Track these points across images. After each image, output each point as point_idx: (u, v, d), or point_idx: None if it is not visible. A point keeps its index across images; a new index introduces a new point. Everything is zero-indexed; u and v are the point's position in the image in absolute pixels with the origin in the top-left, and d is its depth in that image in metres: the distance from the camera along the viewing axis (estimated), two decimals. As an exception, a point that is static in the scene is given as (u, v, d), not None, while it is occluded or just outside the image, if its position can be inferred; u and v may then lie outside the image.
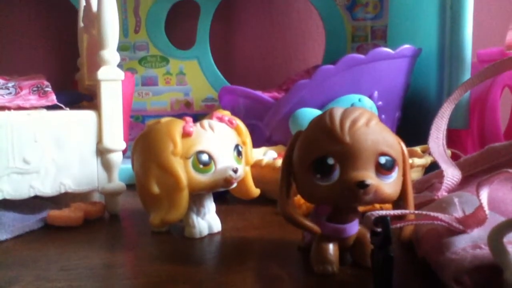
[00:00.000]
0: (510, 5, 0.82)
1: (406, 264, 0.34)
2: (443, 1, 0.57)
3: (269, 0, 0.80)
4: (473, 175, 0.39)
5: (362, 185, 0.29)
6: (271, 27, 0.81)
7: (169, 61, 0.73)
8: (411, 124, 0.61)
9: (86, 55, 0.57)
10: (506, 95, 0.61)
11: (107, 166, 0.46)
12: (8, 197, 0.43)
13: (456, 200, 0.33)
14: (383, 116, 0.58)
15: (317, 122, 0.32)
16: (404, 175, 0.32)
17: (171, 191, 0.38)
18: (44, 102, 0.46)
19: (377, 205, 0.42)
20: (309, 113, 0.54)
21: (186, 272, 0.33)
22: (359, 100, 0.55)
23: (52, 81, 0.51)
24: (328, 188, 0.30)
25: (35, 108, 0.45)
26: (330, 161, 0.30)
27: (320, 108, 0.55)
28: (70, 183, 0.45)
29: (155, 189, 0.38)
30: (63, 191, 0.45)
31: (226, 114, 0.42)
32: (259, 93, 0.61)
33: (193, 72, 0.74)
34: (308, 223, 0.32)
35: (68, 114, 0.45)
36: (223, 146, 0.40)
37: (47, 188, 0.44)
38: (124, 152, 0.47)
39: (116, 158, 0.46)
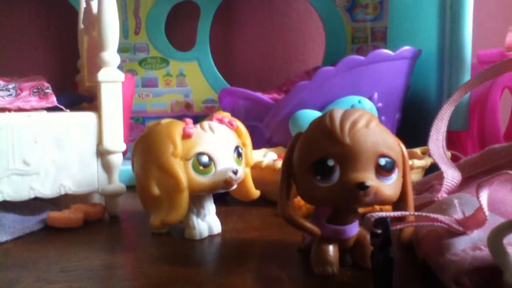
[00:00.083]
0: (510, 6, 0.82)
1: (406, 266, 0.34)
2: (443, 2, 0.57)
3: (269, 2, 0.80)
4: (473, 177, 0.39)
5: (362, 186, 0.29)
6: (271, 29, 0.81)
7: (169, 63, 0.73)
8: (411, 126, 0.61)
9: (87, 56, 0.57)
10: (506, 96, 0.61)
11: (107, 167, 0.46)
12: (8, 198, 0.43)
13: (456, 201, 0.33)
14: (383, 117, 0.58)
15: (317, 124, 0.32)
16: (404, 176, 0.32)
17: (171, 193, 0.38)
18: (44, 103, 0.46)
19: (377, 207, 0.42)
20: (309, 115, 0.54)
21: (186, 273, 0.33)
22: (359, 101, 0.55)
23: (52, 81, 0.51)
24: (328, 190, 0.30)
25: (36, 109, 0.45)
26: (330, 162, 0.30)
27: (320, 109, 0.55)
28: (70, 185, 0.45)
29: (155, 190, 0.38)
30: (63, 192, 0.45)
31: (226, 116, 0.42)
32: (259, 94, 0.61)
33: (193, 74, 0.74)
34: (308, 224, 0.32)
35: (68, 116, 0.45)
36: (223, 147, 0.40)
37: (47, 189, 0.44)
38: (124, 153, 0.47)
39: (116, 159, 0.46)
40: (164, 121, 0.40)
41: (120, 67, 0.46)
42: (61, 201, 0.47)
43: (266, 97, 0.60)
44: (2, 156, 0.42)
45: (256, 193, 0.44)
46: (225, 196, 0.49)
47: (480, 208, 0.29)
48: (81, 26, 0.58)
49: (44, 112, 0.45)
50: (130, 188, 0.47)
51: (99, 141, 0.46)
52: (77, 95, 0.56)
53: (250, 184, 0.44)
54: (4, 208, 0.44)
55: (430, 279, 0.30)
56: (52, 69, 0.77)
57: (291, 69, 0.81)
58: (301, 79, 0.63)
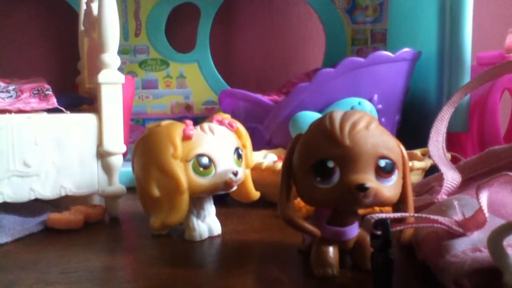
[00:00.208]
0: (510, 8, 0.82)
1: (406, 267, 0.34)
2: (443, 4, 0.57)
3: (269, 4, 0.81)
4: (473, 178, 0.39)
5: (362, 188, 0.29)
6: (271, 30, 0.81)
7: (169, 65, 0.74)
8: (411, 127, 0.61)
9: (87, 58, 0.57)
10: (505, 98, 0.61)
11: (107, 169, 0.46)
12: (8, 200, 0.43)
13: (456, 203, 0.33)
14: (383, 119, 0.58)
15: (317, 125, 0.32)
16: (404, 178, 0.32)
17: (171, 194, 0.38)
18: (44, 105, 0.46)
19: (377, 208, 0.42)
20: (309, 116, 0.54)
21: (186, 275, 0.33)
22: (359, 103, 0.55)
23: (52, 82, 0.51)
24: (328, 191, 0.30)
25: (36, 111, 0.45)
26: (330, 164, 0.30)
27: (320, 111, 0.55)
28: (70, 186, 0.45)
29: (156, 192, 0.38)
30: (63, 194, 0.45)
31: (226, 117, 0.42)
32: (259, 96, 0.61)
33: (193, 75, 0.74)
34: (308, 226, 0.32)
35: (68, 117, 0.45)
36: (223, 149, 0.40)
37: (47, 191, 0.44)
38: (124, 155, 0.47)
39: (117, 161, 0.46)
40: (164, 122, 0.40)
41: (120, 69, 0.46)
42: (61, 203, 0.47)
43: (266, 98, 0.60)
44: (3, 158, 0.42)
45: (256, 194, 0.44)
46: (225, 198, 0.49)
47: (480, 209, 0.29)
48: (82, 28, 0.58)
49: (45, 114, 0.45)
50: (130, 189, 0.47)
51: (99, 143, 0.46)
52: (78, 96, 0.57)
53: (250, 185, 0.44)
54: (4, 210, 0.44)
55: (430, 281, 0.30)
56: (52, 69, 0.77)
57: (291, 71, 0.81)
58: (301, 81, 0.63)
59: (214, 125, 0.40)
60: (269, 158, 0.55)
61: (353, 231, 0.33)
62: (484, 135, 0.58)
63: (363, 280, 0.32)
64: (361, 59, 0.56)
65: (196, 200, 0.40)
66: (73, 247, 0.39)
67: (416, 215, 0.31)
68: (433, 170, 0.46)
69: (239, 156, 0.41)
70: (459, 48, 0.56)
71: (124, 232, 0.45)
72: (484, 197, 0.29)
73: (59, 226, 0.43)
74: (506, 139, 0.59)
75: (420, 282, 0.32)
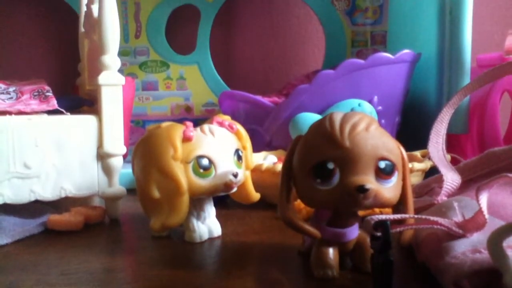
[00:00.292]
0: (510, 9, 0.82)
1: (406, 268, 0.34)
2: (443, 6, 0.57)
3: (269, 6, 0.81)
4: (472, 180, 0.39)
5: (362, 189, 0.29)
6: (271, 32, 0.81)
7: (170, 66, 0.74)
8: (411, 129, 0.61)
9: (87, 60, 0.57)
10: (505, 99, 0.61)
11: (107, 170, 0.46)
12: (8, 201, 0.43)
13: (455, 204, 0.33)
14: (383, 120, 0.58)
15: (317, 127, 0.32)
16: (403, 179, 0.32)
17: (171, 196, 0.38)
18: (45, 106, 0.46)
19: (377, 210, 0.42)
20: (309, 118, 0.55)
21: (186, 276, 0.33)
22: (359, 105, 0.55)
23: (52, 82, 0.51)
24: (328, 193, 0.30)
25: (36, 112, 0.45)
26: (330, 165, 0.30)
27: (320, 112, 0.55)
28: (70, 188, 0.45)
29: (156, 193, 0.38)
30: (63, 195, 0.45)
31: (226, 119, 0.42)
32: (259, 98, 0.61)
33: (194, 77, 0.74)
34: (308, 227, 0.32)
35: (68, 119, 0.45)
36: (223, 150, 0.40)
37: (47, 192, 0.44)
38: (124, 156, 0.48)
39: (117, 162, 0.46)
40: (165, 124, 0.40)
41: (120, 71, 0.46)
42: (61, 204, 0.47)
43: (266, 100, 0.61)
44: (3, 159, 0.42)
45: (256, 196, 0.44)
46: (225, 199, 0.49)
47: (480, 211, 0.29)
48: (82, 29, 0.58)
49: (45, 115, 0.45)
50: (130, 191, 0.47)
51: (100, 144, 0.46)
52: (78, 98, 0.57)
53: (250, 187, 0.44)
54: (5, 211, 0.44)
55: (429, 282, 0.30)
56: (52, 69, 0.77)
57: (291, 73, 0.81)
58: (301, 83, 0.63)
59: (214, 126, 0.41)
60: (269, 160, 0.55)
61: (353, 232, 0.33)
62: (484, 136, 0.58)
63: (363, 282, 0.32)
64: (361, 61, 0.56)
65: (196, 202, 0.40)
66: (73, 248, 0.39)
67: (416, 216, 0.31)
68: (433, 171, 0.46)
69: (239, 158, 0.41)
70: (458, 49, 0.56)
71: (124, 233, 0.45)
72: (484, 198, 0.29)
73: (59, 227, 0.43)
74: (505, 140, 0.59)
75: (420, 283, 0.32)
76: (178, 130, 0.39)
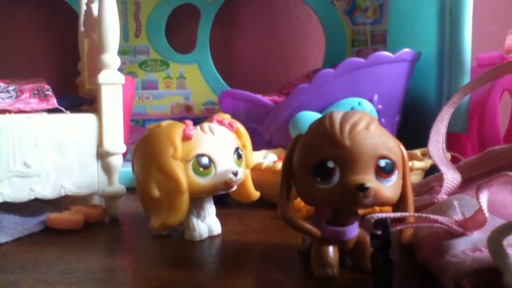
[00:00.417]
0: (510, 8, 0.82)
1: (406, 267, 0.34)
2: (443, 5, 0.57)
3: (269, 5, 0.81)
4: (472, 178, 0.39)
5: (362, 188, 0.29)
6: (271, 31, 0.81)
7: (170, 65, 0.74)
8: (411, 128, 0.61)
9: (87, 59, 0.57)
10: (505, 99, 0.61)
11: (107, 169, 0.46)
12: (8, 200, 0.43)
13: (455, 203, 0.33)
14: (383, 119, 0.58)
15: (317, 126, 0.32)
16: (404, 178, 0.32)
17: (171, 195, 0.38)
18: (45, 105, 0.46)
19: (377, 208, 0.42)
20: (309, 117, 0.54)
21: (186, 276, 0.33)
22: (359, 103, 0.55)
23: (52, 82, 0.51)
24: (328, 192, 0.30)
25: (36, 111, 0.45)
26: (330, 164, 0.30)
27: (320, 111, 0.55)
28: (70, 186, 0.45)
29: (156, 192, 0.38)
30: (63, 194, 0.45)
31: (226, 118, 0.42)
32: (259, 96, 0.61)
33: (194, 76, 0.74)
34: (308, 226, 0.32)
35: (68, 118, 0.45)
36: (223, 149, 0.40)
37: (47, 191, 0.44)
38: (124, 155, 0.47)
39: (117, 161, 0.46)
40: (164, 123, 0.40)
41: (120, 70, 0.46)
42: (61, 203, 0.47)
43: (266, 99, 0.61)
44: (3, 158, 0.42)
45: (256, 194, 0.44)
46: (225, 198, 0.49)
47: (480, 209, 0.29)
48: (82, 28, 0.58)
49: (45, 114, 0.45)
50: (130, 190, 0.47)
51: (100, 143, 0.46)
52: (78, 97, 0.57)
53: (250, 185, 0.44)
54: (4, 210, 0.44)
55: (430, 281, 0.30)
56: (52, 68, 0.77)
57: (291, 72, 0.81)
58: (301, 82, 0.63)
59: (214, 125, 0.40)
60: (269, 158, 0.55)
61: (353, 231, 0.33)
62: (484, 135, 0.58)
63: (363, 281, 0.32)
64: (361, 60, 0.56)
65: (196, 201, 0.40)
66: (73, 247, 0.39)
67: (416, 215, 0.31)
68: (433, 170, 0.46)
69: (239, 156, 0.41)
70: (459, 49, 0.56)
71: (124, 232, 0.45)
72: (484, 197, 0.29)
73: (59, 226, 0.43)
74: (506, 139, 0.59)
75: (420, 282, 0.32)
76: (178, 129, 0.39)
